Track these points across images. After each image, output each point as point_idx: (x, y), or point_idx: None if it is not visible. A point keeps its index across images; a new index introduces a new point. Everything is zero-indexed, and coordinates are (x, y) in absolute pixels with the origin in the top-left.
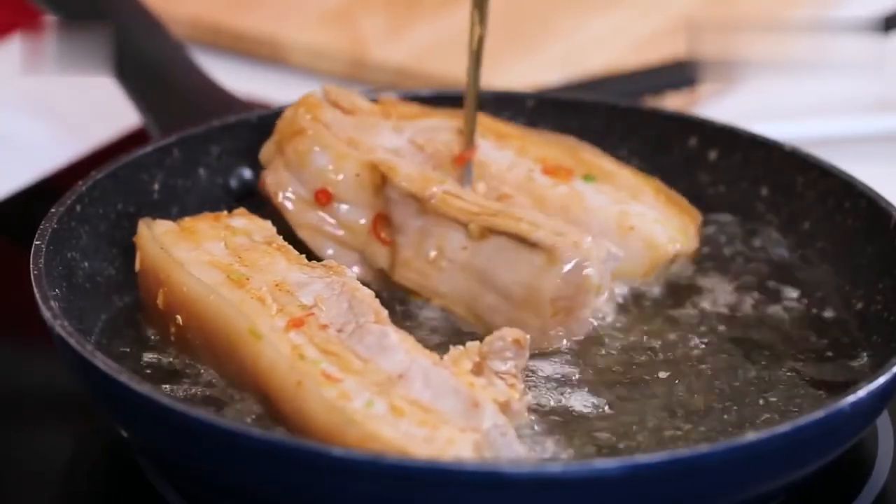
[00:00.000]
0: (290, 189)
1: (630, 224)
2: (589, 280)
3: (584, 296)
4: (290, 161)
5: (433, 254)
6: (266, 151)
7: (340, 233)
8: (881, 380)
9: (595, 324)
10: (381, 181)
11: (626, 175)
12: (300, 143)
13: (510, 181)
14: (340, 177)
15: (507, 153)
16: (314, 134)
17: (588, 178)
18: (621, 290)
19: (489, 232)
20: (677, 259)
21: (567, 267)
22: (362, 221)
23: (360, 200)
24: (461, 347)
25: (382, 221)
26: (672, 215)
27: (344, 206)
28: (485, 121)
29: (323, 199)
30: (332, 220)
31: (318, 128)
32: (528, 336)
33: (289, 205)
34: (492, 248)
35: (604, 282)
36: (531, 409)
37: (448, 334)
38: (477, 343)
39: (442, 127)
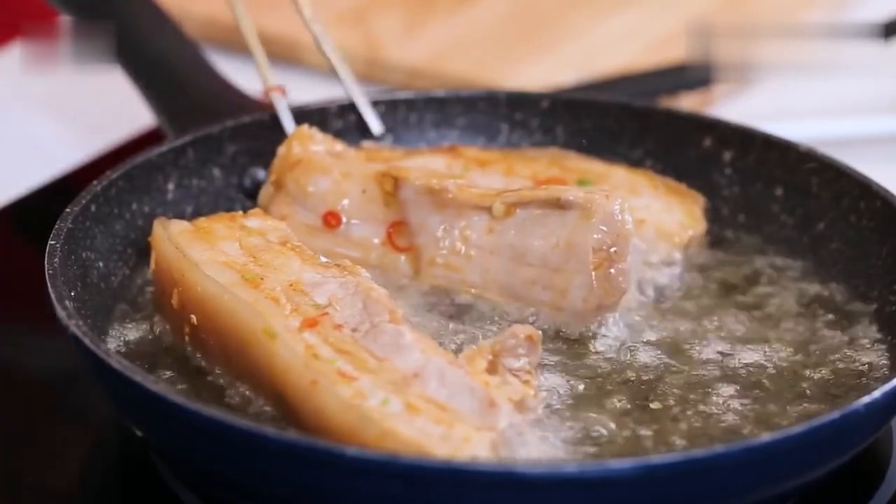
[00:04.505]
0: (297, 219)
1: (640, 218)
2: (626, 227)
3: (623, 244)
4: (293, 192)
5: (459, 245)
6: (264, 194)
7: (355, 253)
8: None
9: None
10: (391, 188)
11: (618, 173)
12: (300, 173)
13: None
14: (346, 196)
15: (495, 177)
16: (312, 161)
17: (582, 182)
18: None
19: (514, 207)
20: (691, 243)
21: (604, 216)
22: (376, 240)
23: (369, 215)
24: (474, 346)
25: (397, 230)
26: (675, 202)
27: (355, 225)
28: (464, 152)
29: (332, 221)
30: (344, 242)
31: (314, 155)
32: (539, 332)
33: (298, 235)
34: (519, 222)
35: (633, 274)
36: (546, 406)
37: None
38: (490, 341)
39: (428, 163)
